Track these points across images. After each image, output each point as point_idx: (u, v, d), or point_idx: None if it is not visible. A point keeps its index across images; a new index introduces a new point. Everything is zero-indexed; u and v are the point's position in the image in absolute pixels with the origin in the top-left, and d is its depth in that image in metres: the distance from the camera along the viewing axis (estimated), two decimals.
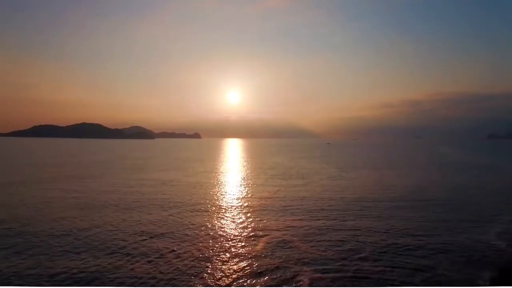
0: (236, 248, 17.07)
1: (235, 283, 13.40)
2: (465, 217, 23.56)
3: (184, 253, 16.25)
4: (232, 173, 53.02)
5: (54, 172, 51.11)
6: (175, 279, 13.55)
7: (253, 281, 13.48)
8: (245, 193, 33.42)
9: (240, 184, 40.15)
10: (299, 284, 13.22)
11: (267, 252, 16.40)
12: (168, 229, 20.33)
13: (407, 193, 33.08)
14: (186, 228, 20.51)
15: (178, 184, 39.26)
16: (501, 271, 14.44)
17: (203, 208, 26.26)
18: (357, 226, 21.08)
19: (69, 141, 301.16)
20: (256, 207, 26.82)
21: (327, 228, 20.56)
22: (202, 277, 13.75)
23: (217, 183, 41.36)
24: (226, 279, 13.70)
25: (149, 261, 15.20)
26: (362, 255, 16.03)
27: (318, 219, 22.78)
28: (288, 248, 16.98)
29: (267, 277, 13.75)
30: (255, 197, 30.94)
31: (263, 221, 22.23)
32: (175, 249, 16.79)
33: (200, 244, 17.54)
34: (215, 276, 13.87)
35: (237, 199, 30.52)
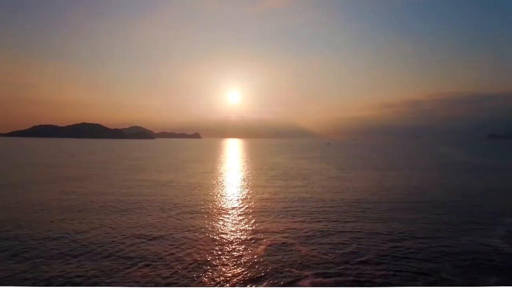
0: (235, 251, 16.82)
1: (235, 286, 13.17)
2: (467, 219, 23.31)
3: (183, 255, 16.01)
4: (232, 174, 52.79)
5: (53, 173, 50.87)
6: (174, 283, 13.31)
7: (253, 285, 13.25)
8: (245, 195, 33.18)
9: (240, 185, 39.91)
10: (299, 285, 13.00)
11: (267, 255, 16.15)
12: (167, 231, 20.08)
13: (408, 195, 32.85)
14: (186, 231, 20.27)
15: (177, 185, 39.03)
16: (506, 273, 14.20)
17: (202, 210, 26.02)
18: (358, 228, 20.83)
19: (69, 141, 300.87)
20: (256, 208, 26.58)
21: (328, 230, 20.31)
22: (201, 281, 13.52)
23: (217, 184, 41.12)
24: (225, 282, 13.46)
25: (147, 265, 14.95)
26: (363, 258, 15.79)
27: (319, 221, 22.54)
28: (288, 250, 16.73)
29: (267, 281, 13.51)
30: (255, 199, 30.70)
31: (263, 223, 21.99)
32: (174, 251, 16.55)
33: (199, 247, 17.29)
34: (214, 279, 13.63)
35: (237, 200, 30.28)
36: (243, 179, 45.38)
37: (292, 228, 20.71)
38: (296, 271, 14.34)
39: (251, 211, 25.67)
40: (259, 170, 57.72)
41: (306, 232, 19.94)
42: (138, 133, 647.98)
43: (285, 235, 19.37)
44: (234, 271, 14.43)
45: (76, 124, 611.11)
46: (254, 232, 20.06)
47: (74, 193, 32.66)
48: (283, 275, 14.02)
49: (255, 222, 22.24)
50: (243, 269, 14.66)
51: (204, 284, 13.33)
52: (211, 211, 25.57)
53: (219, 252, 16.61)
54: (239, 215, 24.50)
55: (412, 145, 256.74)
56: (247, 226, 21.46)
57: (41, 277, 13.60)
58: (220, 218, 23.62)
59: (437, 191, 34.89)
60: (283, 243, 17.92)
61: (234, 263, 15.31)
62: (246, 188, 37.47)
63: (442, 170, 59.66)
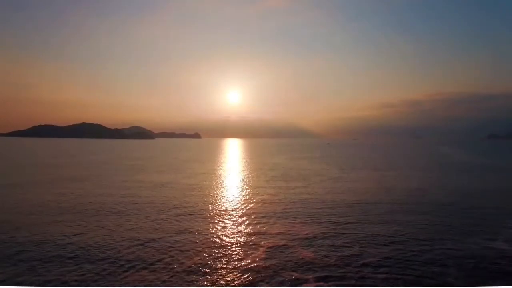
0: (235, 253, 16.59)
1: None
2: (470, 221, 23.07)
3: (182, 258, 15.78)
4: (232, 175, 52.59)
5: (52, 173, 50.67)
6: (173, 285, 13.11)
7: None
8: (245, 196, 32.97)
9: (240, 186, 39.72)
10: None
11: (267, 257, 15.93)
12: (166, 233, 19.86)
13: (409, 196, 32.63)
14: (185, 233, 20.05)
15: (177, 186, 38.82)
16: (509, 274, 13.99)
17: (202, 212, 25.81)
18: (359, 230, 20.61)
19: (69, 141, 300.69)
20: (256, 210, 26.37)
21: (329, 232, 20.09)
22: (200, 283, 13.31)
23: (217, 185, 40.91)
24: (225, 285, 13.25)
25: (145, 267, 14.73)
26: (365, 260, 15.56)
27: (320, 223, 22.31)
28: (289, 253, 16.50)
29: (267, 284, 13.29)
30: (255, 200, 30.49)
31: (263, 225, 21.77)
32: (172, 254, 16.32)
33: (198, 249, 17.06)
34: (214, 282, 13.41)
35: (237, 202, 30.08)
36: (243, 180, 45.17)
37: (293, 230, 20.49)
38: (297, 274, 14.12)
39: (251, 212, 25.46)
40: (259, 171, 57.51)
41: (306, 234, 19.72)
42: (138, 133, 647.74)
43: (285, 237, 19.14)
44: (234, 274, 14.21)
45: (76, 124, 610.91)
46: (254, 234, 19.84)
47: (73, 194, 32.45)
48: (283, 278, 13.80)
49: (255, 224, 22.02)
50: (242, 272, 14.44)
51: (203, 286, 13.13)
52: (210, 213, 25.35)
53: (219, 255, 16.39)
54: (239, 216, 24.29)
55: (412, 145, 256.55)
56: (247, 228, 21.24)
57: (37, 281, 13.39)
58: (220, 220, 23.41)
59: (438, 192, 34.67)
60: (283, 245, 17.70)
61: (234, 265, 15.09)
62: (246, 189, 37.26)
63: (443, 170, 59.45)
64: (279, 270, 14.52)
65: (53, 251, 16.54)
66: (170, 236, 19.25)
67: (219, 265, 15.14)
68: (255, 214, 24.82)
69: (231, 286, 13.33)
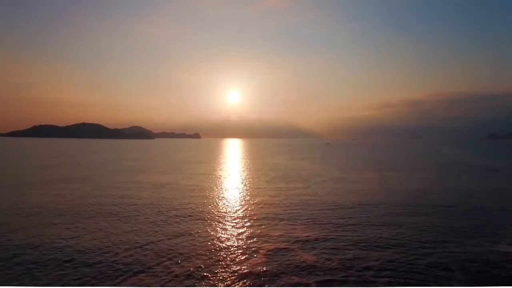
0: (235, 257, 16.34)
1: None
2: (473, 222, 22.80)
3: (180, 260, 15.53)
4: (232, 175, 52.36)
5: (51, 174, 50.43)
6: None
7: None
8: (245, 197, 32.74)
9: (240, 187, 39.48)
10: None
11: (267, 261, 15.68)
12: (165, 235, 19.61)
13: (411, 197, 32.37)
14: (183, 234, 19.80)
15: (176, 187, 38.59)
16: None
17: (201, 213, 25.56)
18: (361, 232, 20.36)
19: (69, 141, 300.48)
20: (256, 212, 26.13)
21: (330, 235, 19.83)
22: (199, 286, 13.08)
23: (217, 186, 40.68)
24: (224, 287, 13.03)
25: (143, 270, 14.49)
26: (367, 264, 15.32)
27: (321, 225, 22.05)
28: (290, 256, 16.25)
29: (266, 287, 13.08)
30: (255, 201, 30.25)
31: (263, 227, 21.51)
32: (171, 256, 16.07)
33: (197, 252, 16.80)
34: (212, 285, 13.19)
35: (237, 203, 29.84)
36: (243, 181, 44.94)
37: (293, 232, 20.23)
38: (298, 278, 13.88)
39: (251, 214, 25.21)
40: (259, 171, 57.27)
41: (307, 236, 19.46)
42: (138, 133, 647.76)
43: (286, 239, 18.88)
44: (234, 278, 13.96)
45: (76, 124, 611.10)
46: (254, 236, 19.58)
47: (71, 195, 32.20)
48: (284, 282, 13.56)
49: (255, 226, 21.76)
50: (242, 275, 14.19)
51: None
52: (210, 215, 25.11)
53: (218, 258, 16.13)
54: (239, 218, 24.03)
55: (412, 145, 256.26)
56: (247, 230, 20.99)
57: (34, 284, 13.15)
58: (220, 222, 23.15)
59: (440, 193, 34.41)
60: (284, 248, 17.43)
61: (234, 269, 14.84)
62: (246, 190, 37.02)
63: (444, 171, 59.21)
64: (280, 274, 14.27)
65: (51, 254, 16.28)
66: (170, 238, 19.00)
67: (219, 268, 14.89)
68: (255, 216, 24.56)
69: None
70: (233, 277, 14.06)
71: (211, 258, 16.10)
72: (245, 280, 13.81)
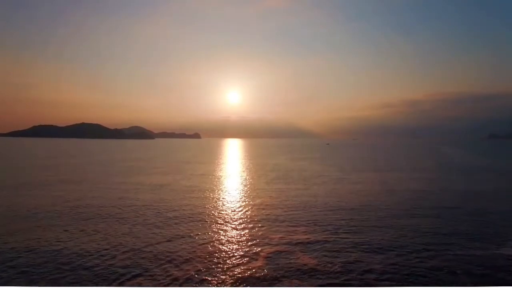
0: (234, 259, 16.09)
1: None
2: (476, 224, 22.52)
3: (179, 263, 15.30)
4: (232, 176, 52.16)
5: (50, 175, 50.22)
6: None
7: None
8: (246, 198, 32.52)
9: (241, 188, 39.27)
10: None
11: (267, 264, 15.43)
12: (163, 237, 19.37)
13: (412, 198, 32.13)
14: (183, 237, 19.56)
15: (176, 188, 38.39)
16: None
17: (201, 215, 25.34)
18: (362, 235, 20.11)
19: (69, 141, 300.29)
20: (256, 213, 25.91)
21: (331, 237, 19.59)
22: None
23: (216, 187, 40.45)
24: None
25: (141, 273, 14.27)
26: (370, 267, 15.07)
27: (321, 227, 21.80)
28: (290, 259, 16.00)
29: None
30: (255, 203, 30.03)
31: (263, 229, 21.27)
32: (169, 259, 15.84)
33: (196, 254, 16.56)
34: None
35: (237, 204, 29.61)
36: (243, 182, 44.73)
37: (294, 234, 19.99)
38: (298, 281, 13.66)
39: (251, 216, 24.99)
40: (259, 172, 57.06)
41: (308, 238, 19.22)
42: (138, 133, 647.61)
43: (286, 241, 18.64)
44: (233, 280, 13.74)
45: (76, 124, 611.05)
46: (254, 239, 19.33)
47: (70, 197, 31.97)
48: (285, 285, 13.33)
49: (255, 228, 21.53)
50: (242, 278, 13.95)
51: None
52: (210, 216, 24.88)
53: (217, 260, 15.89)
54: (239, 220, 23.80)
55: (412, 145, 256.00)
56: (246, 232, 20.75)
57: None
58: (219, 224, 22.91)
59: (441, 194, 34.17)
60: (284, 250, 17.19)
61: (233, 272, 14.59)
62: (247, 191, 36.80)
63: (445, 171, 58.99)
64: (280, 277, 14.04)
65: (47, 257, 16.04)
66: (169, 240, 18.77)
67: (218, 271, 14.64)
68: (256, 217, 24.34)
69: None
70: (232, 280, 13.84)
71: (210, 260, 15.87)
72: (245, 284, 13.58)
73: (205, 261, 15.75)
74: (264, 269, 14.82)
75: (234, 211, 26.58)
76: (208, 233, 20.27)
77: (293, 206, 27.93)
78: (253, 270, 14.75)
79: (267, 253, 16.76)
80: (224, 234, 20.30)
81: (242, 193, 35.21)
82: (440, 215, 24.83)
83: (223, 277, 14.17)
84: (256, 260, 15.95)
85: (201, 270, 14.78)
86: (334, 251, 17.14)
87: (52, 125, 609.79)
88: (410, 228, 21.34)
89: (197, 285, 13.42)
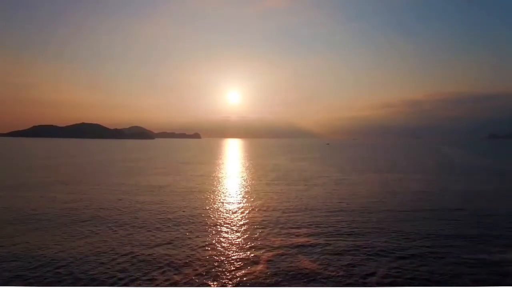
0: (234, 262, 15.91)
1: None
2: (479, 226, 22.28)
3: (178, 266, 15.12)
4: (232, 176, 51.98)
5: (49, 175, 50.04)
6: None
7: None
8: (246, 199, 32.34)
9: (241, 189, 39.10)
10: None
11: (267, 267, 15.24)
12: (163, 240, 19.18)
13: (413, 199, 31.94)
14: (183, 239, 19.37)
15: (175, 189, 38.21)
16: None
17: (200, 216, 25.15)
18: (364, 237, 19.92)
19: (69, 141, 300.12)
20: (256, 215, 25.73)
21: (332, 240, 19.39)
22: None
23: (216, 188, 40.28)
24: None
25: (139, 277, 14.08)
26: (371, 270, 14.89)
27: (322, 229, 21.61)
28: (291, 262, 15.82)
29: None
30: (255, 204, 29.84)
31: (263, 232, 21.07)
32: (168, 262, 15.66)
33: (195, 257, 16.36)
34: None
35: (237, 206, 29.44)
36: (243, 182, 44.55)
37: (294, 237, 19.81)
38: (298, 285, 13.48)
39: (251, 217, 24.81)
40: (259, 172, 56.88)
41: (309, 241, 19.02)
42: (138, 133, 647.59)
43: (287, 244, 18.45)
44: (232, 283, 13.56)
45: (76, 124, 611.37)
46: (254, 241, 19.14)
47: (68, 198, 31.78)
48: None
49: (254, 230, 21.33)
50: (241, 281, 13.79)
51: None
52: (209, 218, 24.69)
53: (216, 263, 15.69)
54: (239, 222, 23.63)
55: (412, 145, 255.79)
56: (246, 234, 20.55)
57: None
58: (219, 226, 22.71)
59: (441, 195, 33.95)
60: (284, 253, 16.98)
61: (233, 275, 14.41)
62: (247, 192, 36.62)
63: (445, 172, 58.81)
64: (281, 280, 13.86)
65: (44, 260, 15.85)
66: (168, 243, 18.58)
67: (218, 273, 14.45)
68: (256, 219, 24.16)
69: None
70: (232, 283, 13.65)
71: (210, 263, 15.68)
72: (245, 286, 13.39)
73: (205, 264, 15.56)
74: (264, 272, 14.63)
75: (234, 212, 26.40)
76: (208, 235, 20.08)
77: (294, 208, 27.75)
78: (254, 273, 14.56)
79: (268, 256, 16.57)
80: (224, 236, 20.11)
81: (242, 194, 35.03)
82: (441, 216, 24.64)
83: (223, 280, 13.99)
84: (257, 262, 15.76)
85: (201, 273, 14.60)
86: (335, 253, 16.94)
87: (52, 125, 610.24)
88: (412, 230, 21.13)
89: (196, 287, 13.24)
